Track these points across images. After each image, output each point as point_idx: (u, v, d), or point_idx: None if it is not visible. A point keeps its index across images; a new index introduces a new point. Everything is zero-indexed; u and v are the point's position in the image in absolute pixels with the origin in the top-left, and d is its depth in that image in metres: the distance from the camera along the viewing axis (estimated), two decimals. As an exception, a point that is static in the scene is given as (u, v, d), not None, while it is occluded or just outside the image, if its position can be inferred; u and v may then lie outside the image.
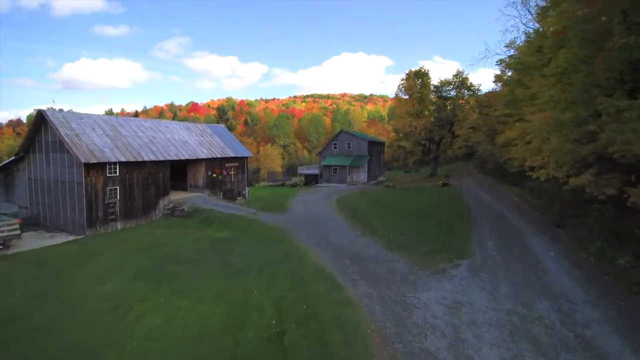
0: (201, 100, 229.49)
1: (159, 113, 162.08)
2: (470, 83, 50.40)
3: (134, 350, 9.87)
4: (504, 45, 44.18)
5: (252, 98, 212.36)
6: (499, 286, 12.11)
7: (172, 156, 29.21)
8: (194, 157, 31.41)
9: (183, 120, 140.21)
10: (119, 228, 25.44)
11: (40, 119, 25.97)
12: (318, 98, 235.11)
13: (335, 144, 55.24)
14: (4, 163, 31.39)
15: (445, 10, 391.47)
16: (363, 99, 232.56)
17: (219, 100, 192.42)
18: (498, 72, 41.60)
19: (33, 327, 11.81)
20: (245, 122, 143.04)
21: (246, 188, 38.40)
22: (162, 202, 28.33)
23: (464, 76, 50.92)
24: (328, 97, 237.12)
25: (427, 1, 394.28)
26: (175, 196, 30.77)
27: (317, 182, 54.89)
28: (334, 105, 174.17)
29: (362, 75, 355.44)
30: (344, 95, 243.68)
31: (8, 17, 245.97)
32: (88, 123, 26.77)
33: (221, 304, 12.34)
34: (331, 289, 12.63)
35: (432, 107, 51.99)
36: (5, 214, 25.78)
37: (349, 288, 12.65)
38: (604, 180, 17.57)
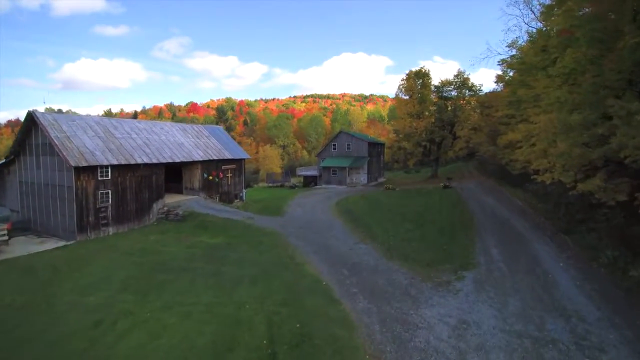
0: (201, 100, 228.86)
1: (157, 113, 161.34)
2: (472, 83, 49.67)
3: (113, 373, 9.14)
4: (506, 45, 43.51)
5: (252, 98, 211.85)
6: (507, 302, 11.34)
7: (167, 158, 28.45)
8: (190, 160, 30.66)
9: (182, 120, 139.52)
10: (111, 233, 24.70)
11: (30, 121, 25.24)
12: (318, 98, 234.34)
13: (334, 145, 54.50)
14: (-6, 166, 30.63)
15: (445, 10, 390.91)
16: (363, 99, 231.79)
17: (218, 100, 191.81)
18: (499, 72, 40.83)
19: (12, 342, 11.10)
20: (245, 123, 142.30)
21: (243, 190, 37.65)
22: (156, 206, 27.59)
23: (465, 76, 50.18)
24: (328, 97, 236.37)
25: (427, 1, 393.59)
26: (170, 199, 30.04)
27: (316, 184, 54.14)
28: (334, 106, 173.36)
29: (362, 75, 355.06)
30: (344, 95, 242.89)
31: (8, 17, 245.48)
32: (80, 125, 26.02)
33: (211, 319, 11.60)
34: (328, 304, 11.88)
35: (433, 108, 51.21)
36: (-6, 219, 25.03)
37: (347, 303, 11.89)
38: (613, 186, 16.84)
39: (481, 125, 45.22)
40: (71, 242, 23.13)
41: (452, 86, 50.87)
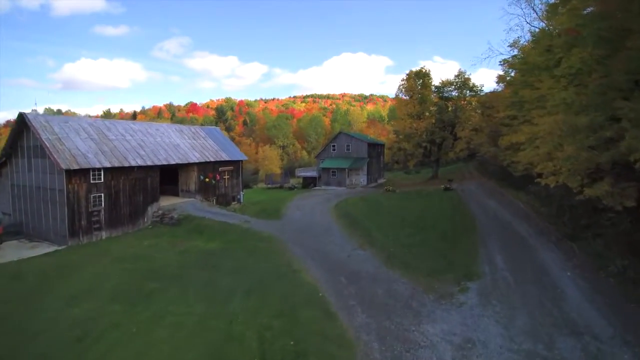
0: (201, 100, 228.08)
1: (157, 113, 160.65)
2: (473, 84, 49.04)
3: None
4: (507, 45, 42.94)
5: (251, 98, 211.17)
6: (514, 318, 10.72)
7: (162, 160, 27.84)
8: (186, 162, 30.04)
9: (181, 120, 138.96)
10: (103, 237, 24.09)
11: (21, 123, 24.63)
12: (318, 98, 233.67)
13: (334, 145, 53.86)
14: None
15: (445, 10, 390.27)
16: (363, 99, 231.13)
17: (218, 100, 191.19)
18: (501, 73, 40.20)
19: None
20: (244, 123, 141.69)
21: (241, 193, 37.04)
22: (151, 209, 26.98)
23: (466, 76, 49.55)
24: (328, 97, 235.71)
25: (427, 1, 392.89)
26: (166, 202, 29.42)
27: (315, 185, 53.50)
28: (334, 106, 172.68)
29: (362, 75, 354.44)
30: (343, 95, 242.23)
31: (8, 17, 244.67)
32: (72, 126, 25.41)
33: (201, 334, 10.99)
34: (324, 318, 11.27)
35: (434, 109, 50.59)
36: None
37: (344, 317, 11.28)
38: (620, 190, 16.24)
39: (482, 126, 44.61)
40: (63, 247, 22.54)
41: (453, 86, 50.26)
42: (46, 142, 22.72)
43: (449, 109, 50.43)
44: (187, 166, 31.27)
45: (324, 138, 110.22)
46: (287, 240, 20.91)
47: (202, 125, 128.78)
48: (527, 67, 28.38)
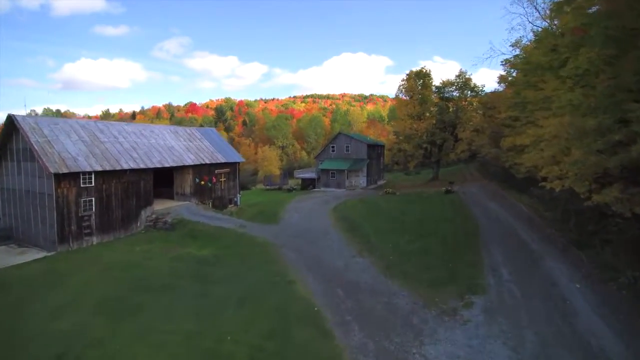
0: (201, 100, 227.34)
1: (156, 114, 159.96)
2: (474, 84, 48.31)
3: None
4: (509, 44, 42.25)
5: (251, 98, 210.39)
6: (523, 337, 9.99)
7: (155, 163, 27.13)
8: (180, 164, 29.33)
9: (180, 121, 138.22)
10: (94, 243, 23.38)
11: (10, 125, 23.90)
12: (318, 98, 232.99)
13: (333, 146, 53.12)
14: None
15: (445, 10, 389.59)
16: (363, 99, 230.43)
17: (217, 100, 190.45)
18: (502, 73, 39.49)
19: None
20: (244, 123, 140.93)
21: (238, 195, 36.33)
22: (144, 213, 26.27)
23: (467, 77, 48.83)
24: (328, 97, 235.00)
25: (427, 1, 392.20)
26: (160, 205, 28.71)
27: (314, 187, 52.77)
28: (334, 106, 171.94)
29: (362, 75, 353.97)
30: (343, 95, 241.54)
31: (8, 17, 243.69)
32: (63, 129, 24.70)
33: (187, 354, 10.28)
34: (319, 337, 10.54)
35: (434, 109, 49.85)
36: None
37: (340, 336, 10.56)
38: (630, 197, 15.54)
39: (484, 127, 43.92)
40: (52, 253, 21.84)
41: (454, 87, 49.53)
42: (35, 145, 22.02)
43: (450, 109, 49.71)
44: (182, 169, 30.57)
45: (324, 138, 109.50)
46: (283, 246, 20.22)
47: (201, 125, 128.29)
48: (530, 67, 27.67)
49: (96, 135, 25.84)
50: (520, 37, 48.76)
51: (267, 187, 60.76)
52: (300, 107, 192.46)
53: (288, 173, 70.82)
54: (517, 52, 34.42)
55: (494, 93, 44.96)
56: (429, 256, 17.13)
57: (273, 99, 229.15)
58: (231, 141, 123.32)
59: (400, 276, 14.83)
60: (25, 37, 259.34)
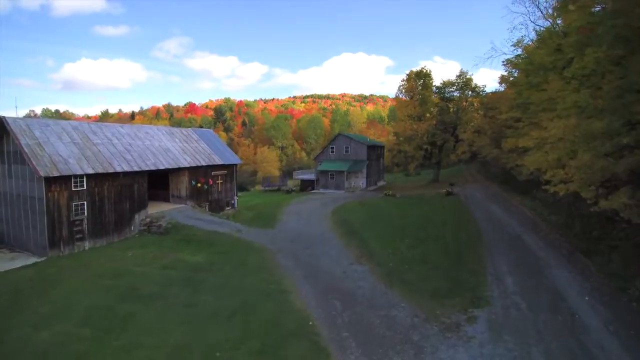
0: (201, 100, 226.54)
1: (155, 114, 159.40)
2: (475, 84, 47.74)
3: None
4: (511, 44, 41.62)
5: (251, 98, 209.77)
6: (531, 357, 9.38)
7: (150, 166, 26.53)
8: (176, 166, 28.73)
9: (179, 121, 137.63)
10: (87, 248, 22.78)
11: (0, 127, 23.31)
12: (317, 98, 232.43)
13: (332, 147, 52.49)
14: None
15: (445, 10, 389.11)
16: (363, 99, 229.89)
17: (217, 100, 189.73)
18: (504, 73, 38.93)
19: None
20: (243, 123, 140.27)
21: (235, 197, 35.74)
22: (138, 217, 25.67)
23: (467, 77, 48.24)
24: (328, 97, 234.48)
25: (427, 1, 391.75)
26: (155, 209, 28.10)
27: (313, 188, 52.17)
28: (333, 106, 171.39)
29: (362, 75, 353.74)
30: (343, 95, 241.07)
31: (8, 17, 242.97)
32: (54, 130, 24.11)
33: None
34: (313, 355, 9.94)
35: (435, 110, 49.24)
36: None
37: (336, 354, 9.94)
38: (638, 202, 14.94)
39: (485, 128, 43.35)
40: (42, 258, 21.24)
41: (455, 87, 48.96)
42: (25, 148, 21.43)
43: (451, 110, 49.11)
44: (178, 171, 29.96)
45: (324, 139, 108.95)
46: (279, 252, 19.62)
47: (200, 126, 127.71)
48: (533, 67, 27.08)
49: (89, 137, 25.26)
50: (522, 36, 48.16)
51: (266, 188, 60.19)
52: (300, 107, 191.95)
53: (287, 174, 70.24)
54: (519, 52, 33.83)
55: (495, 93, 44.41)
56: (430, 263, 16.54)
57: (273, 99, 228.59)
58: (230, 141, 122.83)
59: (400, 285, 14.23)
60: (25, 37, 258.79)
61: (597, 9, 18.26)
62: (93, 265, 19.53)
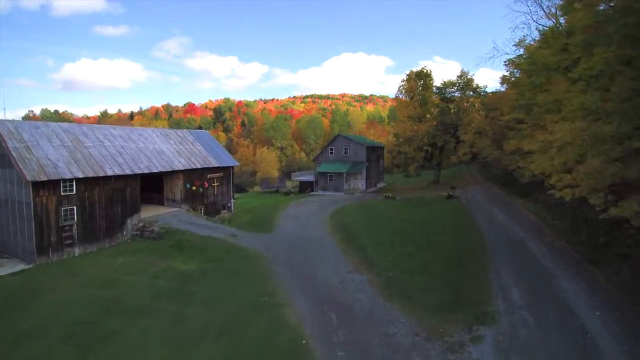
0: (201, 100, 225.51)
1: (154, 114, 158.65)
2: (476, 85, 46.99)
3: None
4: (513, 44, 40.91)
5: (251, 98, 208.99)
6: (540, 384, 8.70)
7: (143, 169, 25.81)
8: (170, 169, 28.00)
9: (178, 121, 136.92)
10: (76, 254, 22.06)
11: (-12, 129, 22.57)
12: (317, 99, 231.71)
13: (331, 149, 51.73)
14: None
15: (446, 10, 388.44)
16: (363, 99, 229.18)
17: (217, 100, 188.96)
18: (505, 73, 38.19)
19: None
20: (243, 124, 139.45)
21: (232, 200, 35.02)
22: (131, 222, 24.95)
23: (468, 77, 47.50)
24: (327, 97, 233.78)
25: (427, 1, 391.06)
26: (149, 212, 27.38)
27: (312, 190, 51.44)
28: (333, 106, 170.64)
29: (362, 75, 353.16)
30: (343, 95, 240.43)
31: (8, 17, 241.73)
32: (44, 133, 23.40)
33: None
34: (304, 380, 9.26)
35: (435, 111, 48.49)
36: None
37: (329, 379, 9.28)
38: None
39: (486, 129, 42.61)
40: (30, 265, 20.54)
41: (455, 87, 48.21)
42: (12, 152, 20.72)
43: (451, 111, 48.36)
44: (172, 174, 29.24)
45: (323, 139, 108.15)
46: (275, 260, 18.92)
47: (199, 126, 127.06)
48: (536, 67, 26.35)
49: (80, 140, 24.54)
50: (525, 36, 47.39)
51: (264, 189, 59.47)
52: (299, 107, 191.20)
53: (286, 175, 69.52)
54: (521, 51, 33.10)
55: (496, 94, 43.67)
56: (431, 273, 15.79)
57: (272, 100, 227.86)
58: (230, 142, 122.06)
59: (400, 298, 13.51)
60: (25, 37, 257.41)
61: (602, 7, 17.58)
62: (81, 273, 18.83)
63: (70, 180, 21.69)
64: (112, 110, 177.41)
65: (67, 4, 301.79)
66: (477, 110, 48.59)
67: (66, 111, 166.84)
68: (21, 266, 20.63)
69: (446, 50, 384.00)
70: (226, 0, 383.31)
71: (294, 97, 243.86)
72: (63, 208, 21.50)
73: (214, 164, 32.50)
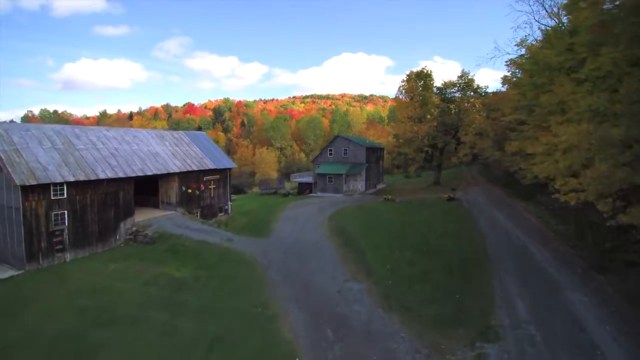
0: (201, 100, 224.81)
1: (153, 114, 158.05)
2: (477, 85, 46.41)
3: None
4: (514, 44, 40.25)
5: (251, 99, 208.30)
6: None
7: (136, 171, 25.22)
8: (165, 172, 27.42)
9: (177, 122, 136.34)
10: (68, 259, 21.48)
11: (-24, 132, 22.00)
12: (317, 99, 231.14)
13: (330, 150, 51.13)
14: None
15: (446, 10, 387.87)
16: (363, 99, 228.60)
17: (216, 100, 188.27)
18: (507, 74, 37.53)
19: None
20: (242, 124, 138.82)
21: (229, 203, 34.44)
22: (124, 226, 24.37)
23: (469, 77, 46.92)
24: (327, 97, 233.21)
25: (427, 1, 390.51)
26: (143, 216, 26.80)
27: (311, 191, 50.86)
28: (333, 106, 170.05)
29: (362, 75, 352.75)
30: (343, 95, 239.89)
31: (8, 17, 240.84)
32: (34, 135, 22.81)
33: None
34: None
35: (435, 111, 47.90)
36: None
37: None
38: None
39: (487, 130, 42.05)
40: (20, 271, 19.96)
41: (456, 88, 47.63)
42: (1, 155, 20.13)
43: (452, 111, 47.78)
44: (168, 176, 28.66)
45: (323, 139, 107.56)
46: (270, 266, 18.34)
47: (199, 126, 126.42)
48: (538, 67, 25.78)
49: (71, 142, 23.96)
50: (526, 35, 46.86)
51: (263, 191, 58.87)
52: (299, 107, 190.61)
53: (285, 177, 68.96)
54: (523, 51, 32.55)
55: (496, 94, 43.13)
56: (432, 282, 15.19)
57: (272, 100, 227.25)
58: (229, 142, 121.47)
59: (400, 310, 12.92)
60: (25, 37, 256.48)
61: (608, 6, 17.02)
62: (71, 280, 18.25)
63: (61, 183, 21.10)
64: (111, 110, 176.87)
65: (67, 4, 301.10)
66: (478, 110, 48.03)
67: (65, 111, 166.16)
68: (11, 272, 20.04)
69: (446, 50, 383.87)
70: (226, 0, 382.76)
71: (294, 97, 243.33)
72: (53, 212, 20.92)
73: (211, 166, 31.92)
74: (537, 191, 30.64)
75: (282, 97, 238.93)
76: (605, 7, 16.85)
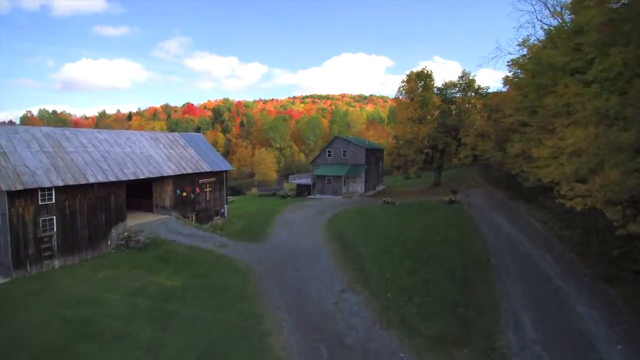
0: (201, 100, 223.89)
1: (152, 114, 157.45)
2: (478, 85, 45.72)
3: None
4: (516, 43, 39.57)
5: (251, 99, 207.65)
6: None
7: (129, 175, 24.53)
8: (158, 175, 26.72)
9: (177, 122, 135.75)
10: (56, 266, 20.80)
11: (-37, 135, 21.33)
12: (317, 99, 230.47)
13: (329, 151, 50.47)
14: None
15: (446, 10, 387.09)
16: (363, 99, 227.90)
17: (216, 101, 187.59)
18: (508, 74, 36.80)
19: None
20: (241, 124, 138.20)
21: (225, 206, 33.75)
22: (115, 231, 23.67)
23: (470, 78, 46.24)
24: (327, 97, 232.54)
25: (427, 1, 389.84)
26: (136, 220, 26.13)
27: (309, 193, 50.20)
28: (333, 106, 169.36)
29: (362, 75, 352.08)
30: (343, 95, 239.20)
31: (8, 17, 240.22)
32: (23, 138, 22.13)
33: None
34: None
35: (436, 112, 47.19)
36: None
37: None
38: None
39: (488, 132, 41.32)
40: (7, 279, 19.28)
41: (457, 88, 46.94)
42: (-13, 158, 19.48)
43: (453, 112, 47.08)
44: (161, 179, 27.97)
45: (322, 140, 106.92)
46: (265, 275, 17.66)
47: (198, 127, 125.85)
48: (541, 67, 25.07)
49: (61, 145, 23.27)
50: (529, 35, 46.19)
51: (261, 192, 58.20)
52: (299, 107, 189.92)
53: (283, 178, 68.32)
54: (525, 51, 31.87)
55: (497, 94, 42.39)
56: (433, 295, 14.46)
57: (272, 100, 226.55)
58: (228, 142, 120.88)
59: (399, 326, 12.22)
60: (25, 37, 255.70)
61: (615, 5, 16.36)
62: (59, 288, 17.57)
63: (49, 188, 20.42)
64: (111, 110, 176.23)
65: (67, 4, 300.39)
66: (479, 111, 47.33)
67: (64, 111, 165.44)
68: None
69: (446, 50, 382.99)
70: (226, 0, 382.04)
71: (294, 97, 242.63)
72: (41, 218, 20.23)
73: (206, 168, 31.24)
74: (539, 194, 29.95)
75: (282, 97, 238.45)
76: (611, 5, 16.21)
